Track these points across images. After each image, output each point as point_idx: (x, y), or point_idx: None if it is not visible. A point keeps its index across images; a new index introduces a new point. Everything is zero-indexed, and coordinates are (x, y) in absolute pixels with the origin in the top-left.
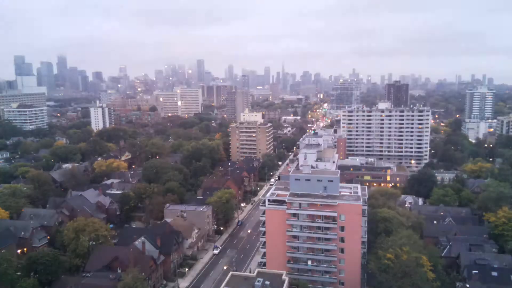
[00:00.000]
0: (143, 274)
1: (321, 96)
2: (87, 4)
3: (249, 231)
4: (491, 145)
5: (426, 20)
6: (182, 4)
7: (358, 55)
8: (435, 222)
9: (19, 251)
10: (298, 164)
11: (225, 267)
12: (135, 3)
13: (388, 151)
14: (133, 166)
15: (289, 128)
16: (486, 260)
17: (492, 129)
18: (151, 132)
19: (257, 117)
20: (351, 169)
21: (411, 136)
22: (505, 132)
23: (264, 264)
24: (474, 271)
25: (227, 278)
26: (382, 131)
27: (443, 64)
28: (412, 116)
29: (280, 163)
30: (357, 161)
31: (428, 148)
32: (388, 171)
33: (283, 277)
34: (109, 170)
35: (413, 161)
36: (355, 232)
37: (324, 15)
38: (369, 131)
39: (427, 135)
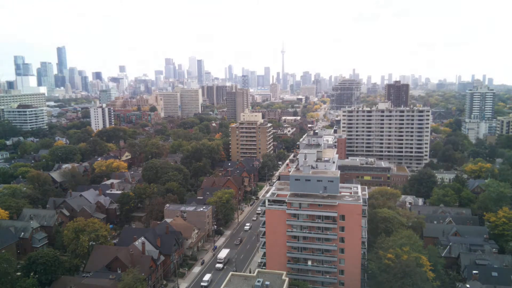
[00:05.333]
0: (143, 274)
1: (321, 96)
2: None
3: (249, 231)
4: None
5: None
6: None
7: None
8: (435, 222)
9: (19, 251)
10: (298, 164)
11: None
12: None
13: (388, 151)
14: (133, 166)
15: (289, 128)
16: (486, 260)
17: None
18: (151, 132)
19: (257, 117)
20: (351, 169)
21: (411, 136)
22: (505, 132)
23: (264, 264)
24: (474, 271)
25: (227, 278)
26: (382, 131)
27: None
28: (412, 116)
29: (280, 163)
30: (357, 161)
31: (428, 148)
32: (388, 171)
33: (283, 277)
34: (109, 170)
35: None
36: (355, 232)
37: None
38: (369, 131)
39: (427, 135)
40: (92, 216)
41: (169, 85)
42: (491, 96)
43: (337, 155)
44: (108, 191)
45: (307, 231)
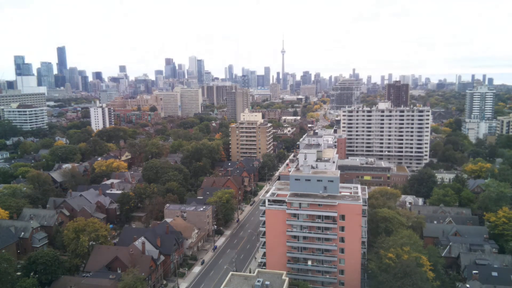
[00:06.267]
0: (143, 274)
1: (321, 96)
2: None
3: (249, 231)
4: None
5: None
6: None
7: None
8: (435, 222)
9: (19, 251)
10: (298, 164)
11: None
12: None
13: (388, 151)
14: (133, 166)
15: (289, 128)
16: (486, 260)
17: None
18: (151, 132)
19: (257, 117)
20: (351, 169)
21: (411, 136)
22: (505, 132)
23: (264, 264)
24: (474, 271)
25: (227, 278)
26: (382, 131)
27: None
28: (412, 116)
29: (280, 163)
30: (357, 161)
31: (428, 148)
32: (388, 171)
33: (283, 277)
34: (109, 170)
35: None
36: (355, 232)
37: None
38: (369, 131)
39: (427, 135)
40: (92, 216)
41: (169, 85)
42: (491, 96)
43: (337, 155)
44: (108, 191)
45: (307, 231)
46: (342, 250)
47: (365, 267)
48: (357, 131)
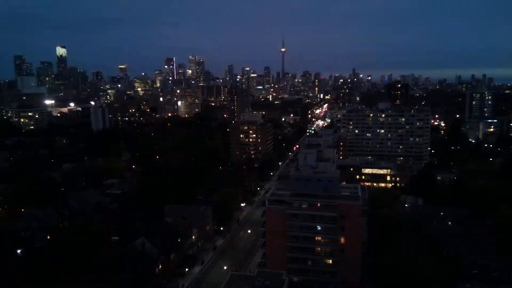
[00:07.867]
0: (142, 274)
1: (321, 96)
2: None
3: (249, 231)
4: (491, 145)
5: None
6: None
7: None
8: (435, 222)
9: (19, 251)
10: (298, 164)
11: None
12: None
13: (388, 151)
14: (133, 166)
15: (289, 128)
16: (486, 260)
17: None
18: (151, 132)
19: (257, 117)
20: (351, 169)
21: (411, 136)
22: (505, 132)
23: (264, 264)
24: (474, 271)
25: (227, 278)
26: (382, 131)
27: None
28: (412, 116)
29: (280, 163)
30: (357, 161)
31: (428, 148)
32: (388, 171)
33: (283, 277)
34: (109, 170)
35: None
36: (355, 232)
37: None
38: (369, 131)
39: (427, 135)
40: (92, 216)
41: (169, 85)
42: (491, 96)
43: (337, 155)
44: (108, 191)
45: (307, 231)
46: (342, 250)
47: (365, 267)
48: (357, 131)
